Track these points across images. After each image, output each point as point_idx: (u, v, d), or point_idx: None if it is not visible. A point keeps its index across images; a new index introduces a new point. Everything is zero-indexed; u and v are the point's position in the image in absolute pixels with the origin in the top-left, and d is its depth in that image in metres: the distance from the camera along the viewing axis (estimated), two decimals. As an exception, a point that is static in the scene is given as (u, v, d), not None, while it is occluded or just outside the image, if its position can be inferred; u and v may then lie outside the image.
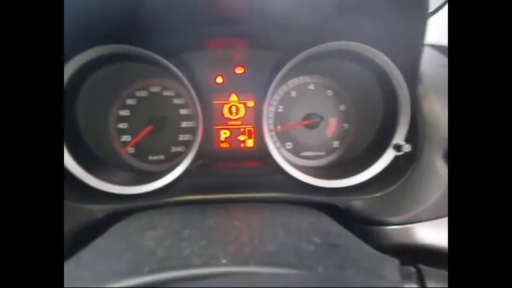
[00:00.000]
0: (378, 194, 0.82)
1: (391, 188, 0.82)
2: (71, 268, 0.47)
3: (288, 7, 0.74)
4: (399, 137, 0.87)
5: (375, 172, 0.88)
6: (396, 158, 0.87)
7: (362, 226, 0.80)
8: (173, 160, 1.06)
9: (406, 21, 0.73)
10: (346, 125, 1.07)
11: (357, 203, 0.82)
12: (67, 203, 0.77)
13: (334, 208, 0.82)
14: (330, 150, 1.08)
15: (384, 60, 0.87)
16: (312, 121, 1.04)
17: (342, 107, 1.07)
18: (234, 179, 0.89)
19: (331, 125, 1.08)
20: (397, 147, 0.85)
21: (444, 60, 0.95)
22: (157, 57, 0.86)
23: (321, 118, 1.05)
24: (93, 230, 0.75)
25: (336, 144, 1.08)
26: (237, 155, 1.05)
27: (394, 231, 0.76)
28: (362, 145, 1.03)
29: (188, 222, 0.60)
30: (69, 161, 0.85)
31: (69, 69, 0.84)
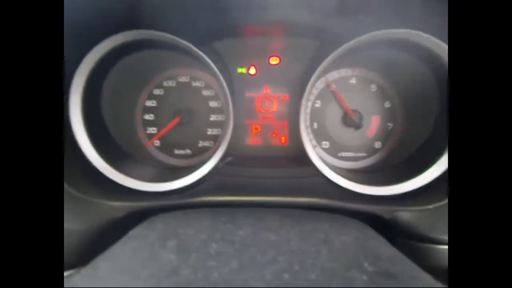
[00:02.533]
0: (430, 206, 0.71)
1: (447, 201, 0.71)
2: (85, 281, 0.41)
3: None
4: None
5: (427, 181, 0.77)
6: None
7: (408, 241, 0.70)
8: (200, 155, 0.99)
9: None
10: (390, 125, 0.96)
11: (405, 215, 0.72)
12: (86, 198, 0.72)
13: (377, 219, 0.73)
14: (371, 152, 0.98)
15: (442, 48, 0.76)
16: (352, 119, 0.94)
17: (387, 104, 0.96)
18: (266, 181, 0.81)
19: (373, 124, 0.97)
20: (456, 154, 0.73)
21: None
22: (187, 44, 0.79)
23: (361, 116, 0.94)
24: (113, 230, 0.70)
25: (378, 145, 0.97)
26: (268, 153, 0.97)
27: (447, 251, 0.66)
28: (410, 148, 0.91)
29: (216, 231, 0.53)
30: (91, 153, 0.80)
31: (95, 55, 0.79)
